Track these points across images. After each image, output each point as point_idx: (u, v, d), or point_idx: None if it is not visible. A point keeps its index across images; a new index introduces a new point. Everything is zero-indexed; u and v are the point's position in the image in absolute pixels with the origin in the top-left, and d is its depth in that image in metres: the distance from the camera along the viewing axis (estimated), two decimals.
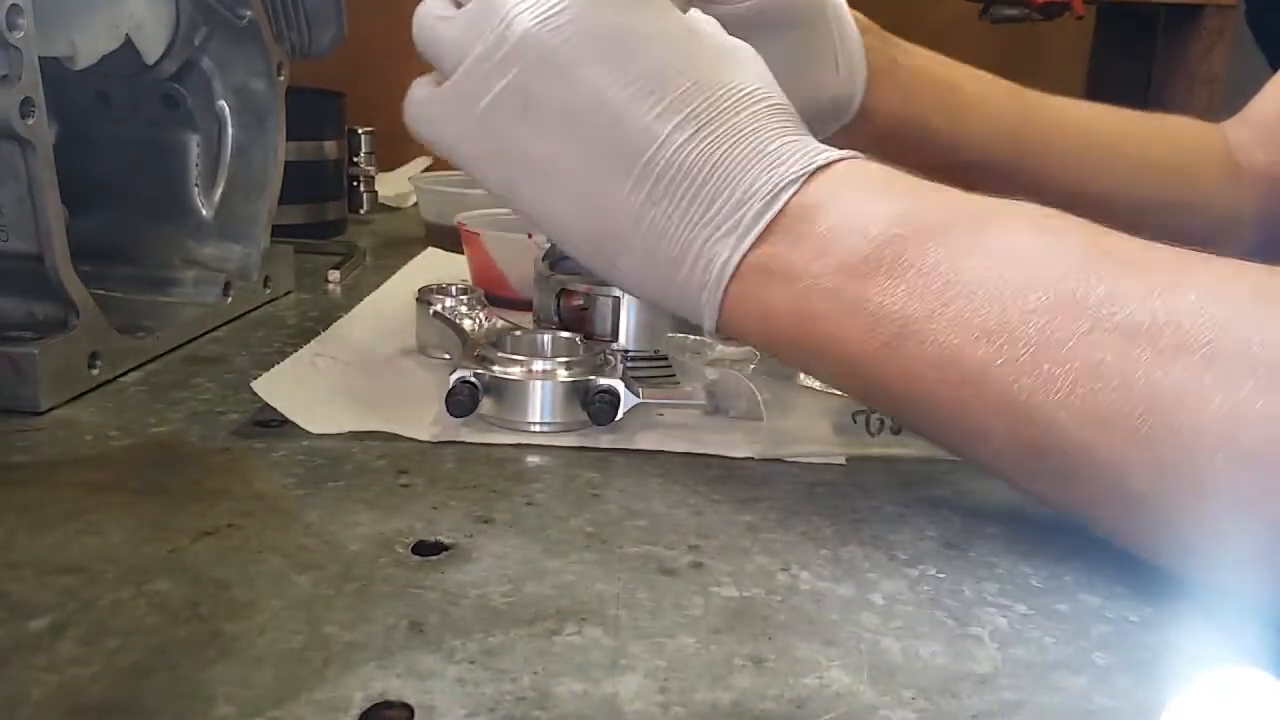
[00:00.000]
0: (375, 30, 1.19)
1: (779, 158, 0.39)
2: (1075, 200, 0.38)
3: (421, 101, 0.44)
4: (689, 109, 0.40)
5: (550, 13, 0.40)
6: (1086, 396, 0.32)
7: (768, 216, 0.38)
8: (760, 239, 0.38)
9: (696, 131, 0.39)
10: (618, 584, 0.34)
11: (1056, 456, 0.34)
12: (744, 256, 0.39)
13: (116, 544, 0.35)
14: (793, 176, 0.38)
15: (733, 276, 0.39)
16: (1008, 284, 0.34)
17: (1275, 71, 0.74)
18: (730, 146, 0.39)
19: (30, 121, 0.44)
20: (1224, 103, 1.96)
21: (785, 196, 0.38)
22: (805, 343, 0.39)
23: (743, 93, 0.40)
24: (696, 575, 0.35)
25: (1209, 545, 0.32)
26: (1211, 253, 0.34)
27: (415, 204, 0.98)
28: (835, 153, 0.40)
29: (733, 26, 0.45)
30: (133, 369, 0.52)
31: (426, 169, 1.15)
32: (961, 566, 0.36)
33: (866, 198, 0.38)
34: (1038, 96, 0.67)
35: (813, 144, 0.40)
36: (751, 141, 0.39)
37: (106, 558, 0.34)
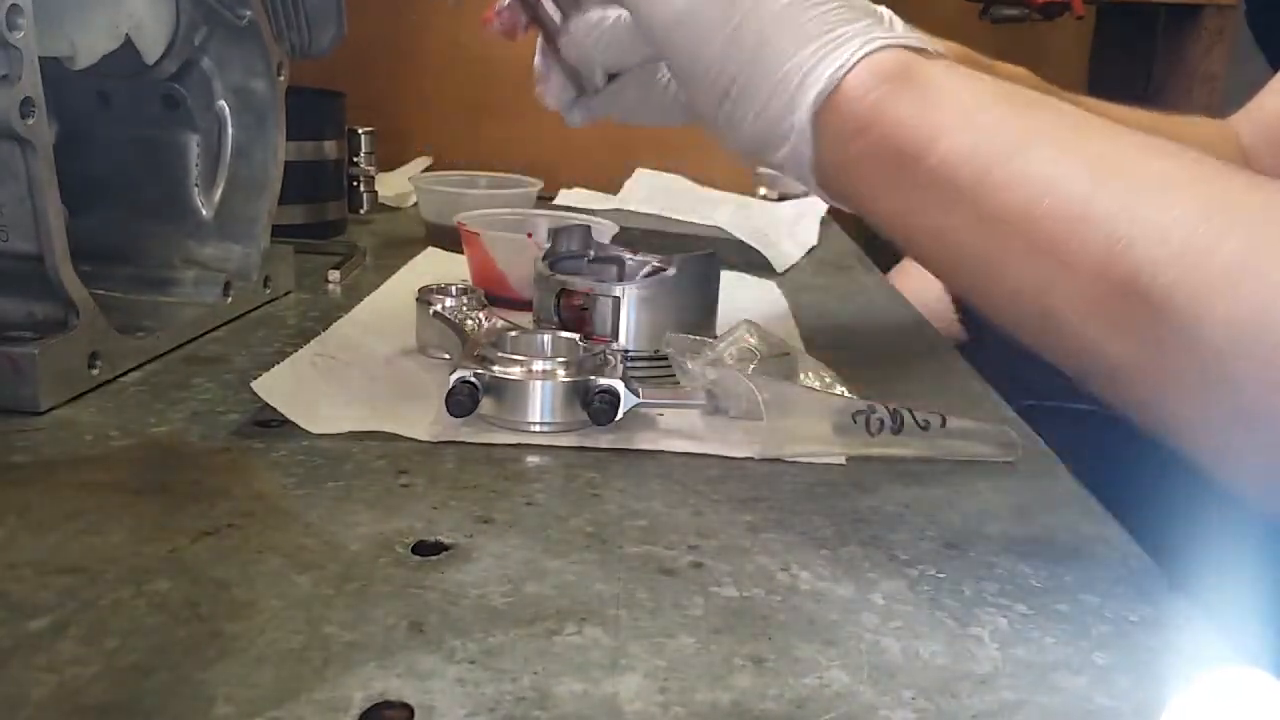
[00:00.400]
0: (375, 30, 1.19)
1: (880, 29, 0.41)
2: None
3: None
4: None
5: None
6: (1183, 241, 0.33)
7: (917, 37, 0.41)
8: (904, 49, 0.40)
9: None
10: (618, 584, 0.34)
11: (1141, 298, 0.34)
12: (888, 46, 0.40)
13: (116, 544, 0.35)
14: (903, 39, 0.41)
15: (870, 55, 0.40)
16: (1131, 140, 0.37)
17: (1275, 71, 0.74)
18: (842, 8, 0.41)
19: (30, 121, 0.44)
20: (1224, 103, 1.96)
21: (888, 51, 0.40)
22: (919, 136, 0.39)
23: None
24: (696, 575, 0.35)
25: (1264, 417, 0.32)
26: None
27: (415, 204, 0.98)
28: (931, 41, 0.43)
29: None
30: (133, 369, 0.52)
31: (427, 169, 1.15)
32: (961, 566, 0.36)
33: (970, 76, 0.40)
34: (1066, 97, 0.68)
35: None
36: (855, 7, 0.42)
37: (107, 558, 0.34)
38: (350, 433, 0.45)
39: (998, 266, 0.38)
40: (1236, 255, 0.32)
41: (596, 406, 0.45)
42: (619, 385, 0.45)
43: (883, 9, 0.45)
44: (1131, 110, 0.69)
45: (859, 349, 0.64)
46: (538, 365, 0.46)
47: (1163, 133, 0.69)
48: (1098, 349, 0.36)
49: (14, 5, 0.42)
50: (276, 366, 0.51)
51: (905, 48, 0.40)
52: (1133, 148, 0.37)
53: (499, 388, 0.45)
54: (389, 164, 1.09)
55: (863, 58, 0.40)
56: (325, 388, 0.50)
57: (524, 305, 0.61)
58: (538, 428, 0.46)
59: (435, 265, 0.80)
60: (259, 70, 0.62)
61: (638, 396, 0.46)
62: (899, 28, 0.45)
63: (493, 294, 0.59)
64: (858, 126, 0.40)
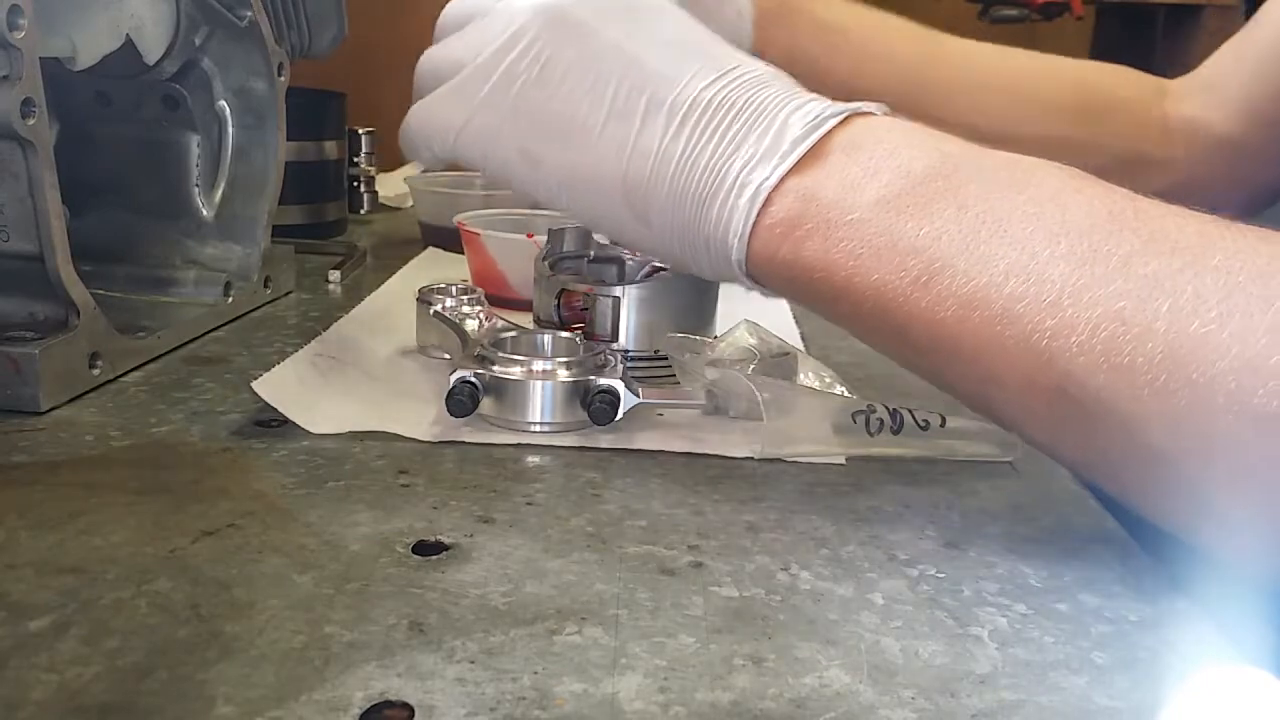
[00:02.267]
0: (375, 30, 1.19)
1: (814, 101, 0.40)
2: (974, 136, 0.39)
3: (421, 106, 0.45)
4: (710, 59, 0.41)
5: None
6: (1106, 342, 0.32)
7: (808, 143, 0.38)
8: (797, 168, 0.38)
9: (722, 75, 0.40)
10: (618, 584, 0.34)
11: (1074, 404, 0.33)
12: (780, 182, 0.38)
13: (117, 544, 0.35)
14: (832, 113, 0.39)
15: (765, 203, 0.38)
16: (1040, 228, 0.34)
17: None
18: (758, 89, 0.40)
19: (31, 121, 0.44)
20: None
21: (825, 128, 0.38)
22: (833, 280, 0.38)
23: (762, 66, 0.41)
24: (696, 575, 0.35)
25: (1219, 508, 0.32)
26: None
27: (413, 205, 0.98)
28: (870, 105, 0.40)
29: None
30: (133, 369, 0.52)
31: (425, 169, 1.15)
32: (961, 566, 0.36)
33: (906, 139, 0.38)
34: (944, 39, 0.69)
35: (840, 103, 0.40)
36: (777, 87, 0.40)
37: (107, 558, 0.34)
38: (350, 433, 0.45)
39: (937, 377, 0.39)
40: (1163, 347, 0.31)
41: (596, 406, 0.45)
42: (619, 385, 0.45)
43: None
44: (1027, 54, 0.70)
45: (859, 349, 0.64)
46: (538, 365, 0.46)
47: (1049, 74, 0.72)
48: (1047, 449, 0.37)
49: (14, 5, 0.42)
50: (277, 366, 0.51)
51: (795, 166, 0.38)
52: (1050, 230, 0.34)
53: (499, 388, 0.45)
54: (389, 164, 1.09)
55: (757, 214, 0.39)
56: (325, 388, 0.50)
57: (524, 305, 0.61)
58: (538, 428, 0.46)
59: (435, 265, 0.80)
60: (259, 70, 0.62)
61: (638, 396, 0.46)
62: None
63: (493, 294, 0.59)
64: (784, 275, 0.40)
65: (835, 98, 0.40)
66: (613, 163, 0.41)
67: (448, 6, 0.48)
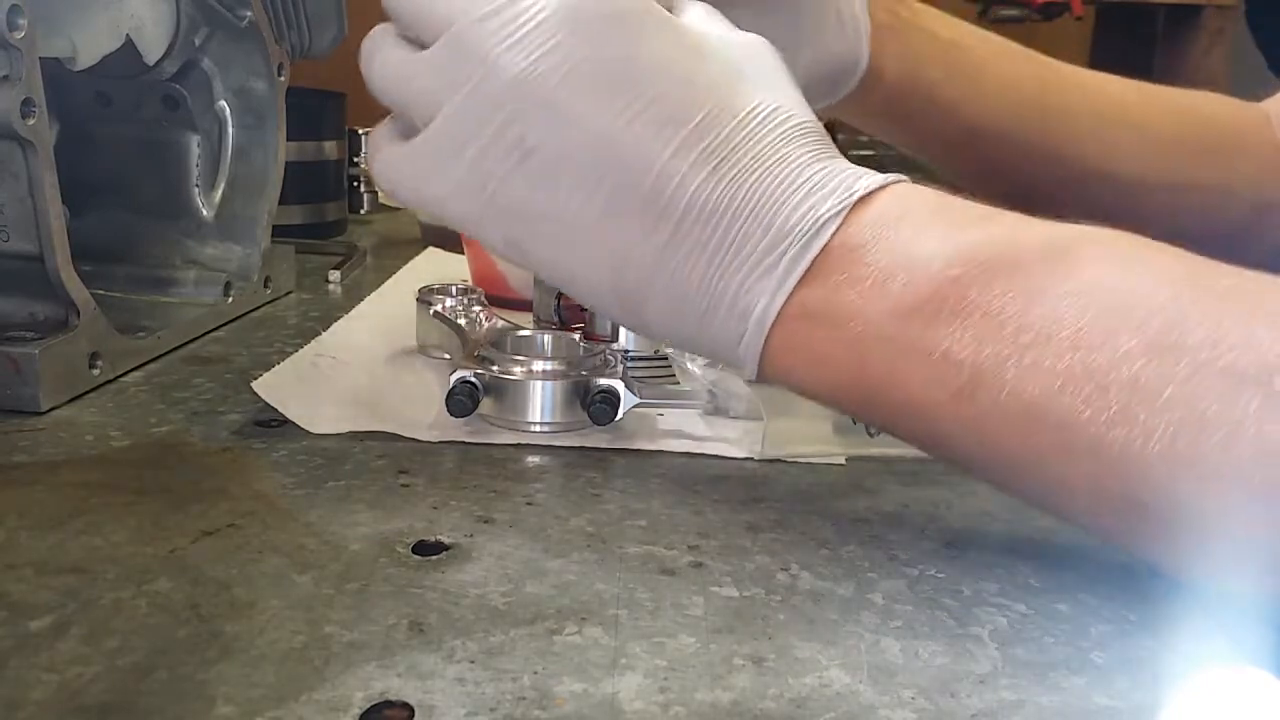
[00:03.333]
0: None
1: (814, 187, 0.35)
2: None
3: (393, 160, 0.39)
4: (705, 143, 0.35)
5: (539, 50, 0.35)
6: (1188, 448, 0.29)
7: (809, 257, 0.34)
8: (802, 282, 0.34)
9: (717, 167, 0.35)
10: (618, 584, 0.34)
11: (1153, 511, 0.31)
12: (785, 302, 0.35)
13: (117, 544, 0.35)
14: (833, 211, 0.34)
15: (774, 325, 0.35)
16: (1093, 326, 0.31)
17: (1275, 72, 0.74)
18: (757, 180, 0.35)
19: (31, 122, 0.44)
20: None
21: (827, 233, 0.34)
22: (863, 391, 0.35)
23: (763, 115, 0.36)
24: (696, 575, 0.35)
25: None
26: (1252, 239, 0.32)
27: None
28: (875, 178, 0.35)
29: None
30: (133, 369, 0.52)
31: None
32: (961, 566, 0.36)
33: (918, 231, 0.34)
34: (1058, 64, 0.62)
35: (848, 168, 0.36)
36: (779, 172, 0.35)
37: (107, 558, 0.34)
38: (350, 433, 0.45)
39: (993, 482, 0.36)
40: (1253, 450, 0.28)
41: (596, 406, 0.45)
42: (619, 385, 0.45)
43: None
44: (1140, 85, 0.66)
45: None
46: (538, 365, 0.46)
47: (1172, 109, 0.66)
48: (1128, 548, 0.34)
49: (14, 5, 0.42)
50: (277, 366, 0.51)
51: (802, 279, 0.35)
52: (1097, 332, 0.31)
53: (499, 388, 0.45)
54: None
55: (767, 335, 0.35)
56: (325, 388, 0.50)
57: (524, 305, 0.61)
58: (538, 428, 0.46)
59: (435, 265, 0.80)
60: (259, 70, 0.62)
61: (638, 396, 0.46)
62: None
63: (493, 294, 0.59)
64: (802, 382, 0.37)
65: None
66: (604, 270, 0.37)
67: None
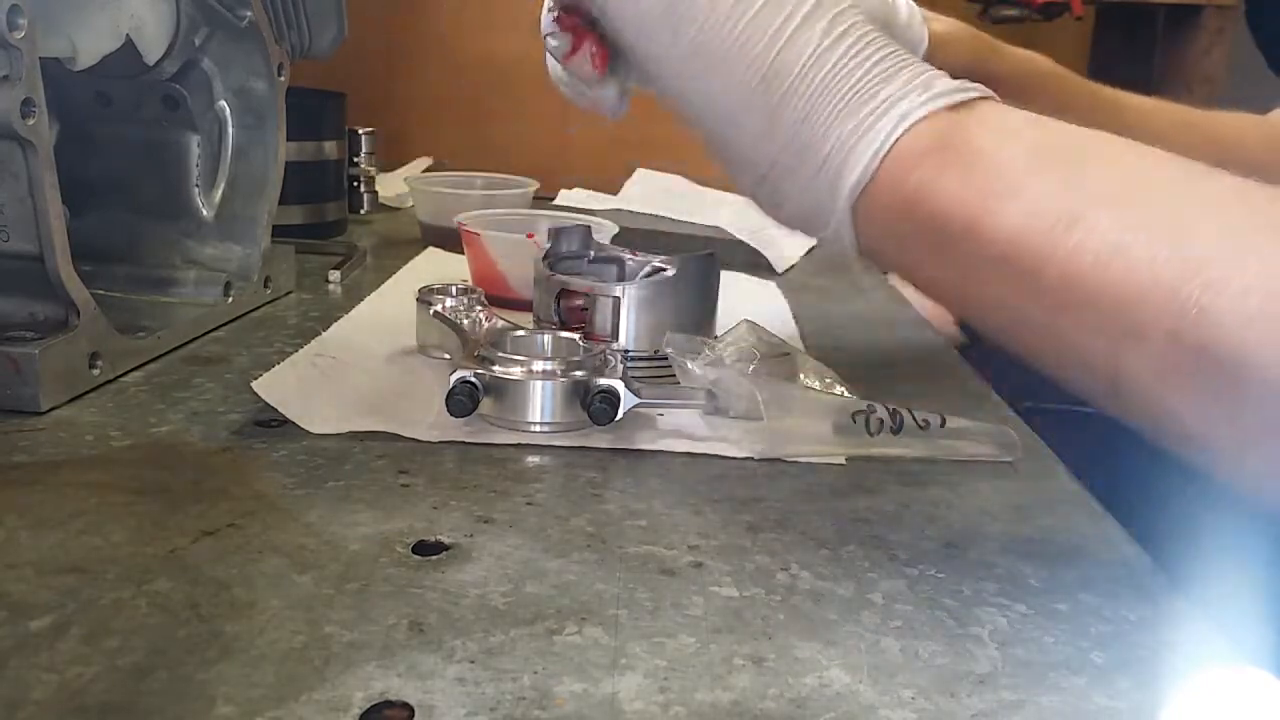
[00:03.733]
0: (375, 30, 1.19)
1: (919, 79, 0.38)
2: None
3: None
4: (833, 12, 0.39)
5: None
6: (1262, 304, 0.31)
7: (959, 95, 0.37)
8: (951, 109, 0.37)
9: (839, 38, 0.38)
10: (618, 584, 0.34)
11: (1218, 366, 0.32)
12: (927, 115, 0.37)
13: (117, 544, 0.35)
14: (947, 94, 0.37)
15: (908, 131, 0.37)
16: (1190, 192, 0.34)
17: (1275, 72, 0.74)
18: (865, 58, 0.38)
19: (31, 122, 0.44)
20: (1223, 103, 1.96)
21: (973, 92, 0.37)
22: (962, 218, 0.36)
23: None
24: (696, 575, 0.35)
25: None
26: None
27: (414, 205, 0.98)
28: (973, 87, 0.39)
29: None
30: (133, 369, 0.52)
31: (427, 169, 1.15)
32: (961, 566, 0.36)
33: (1012, 128, 0.37)
34: (1083, 82, 0.67)
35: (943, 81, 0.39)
36: (882, 59, 0.38)
37: (107, 558, 0.34)
38: (350, 433, 0.45)
39: (1063, 338, 0.36)
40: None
41: (596, 406, 0.45)
42: (619, 385, 0.45)
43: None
44: (1170, 107, 0.68)
45: (859, 349, 0.64)
46: (538, 365, 0.46)
47: (1202, 133, 0.68)
48: (1174, 414, 0.34)
49: (14, 5, 0.42)
50: (277, 366, 0.51)
51: (946, 107, 0.37)
52: (1196, 198, 0.34)
53: (499, 388, 0.45)
54: (389, 164, 1.09)
55: (901, 135, 0.37)
56: (325, 388, 0.50)
57: (524, 305, 0.61)
58: (538, 428, 0.46)
59: (435, 265, 0.80)
60: (259, 70, 0.62)
61: (638, 396, 0.46)
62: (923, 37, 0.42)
63: (493, 294, 0.59)
64: (902, 209, 0.37)
65: None
66: (762, 47, 0.38)
67: None
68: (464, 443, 0.45)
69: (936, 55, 0.59)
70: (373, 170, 0.96)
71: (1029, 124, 0.38)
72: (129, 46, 0.56)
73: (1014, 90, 0.59)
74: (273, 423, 0.45)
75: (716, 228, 0.91)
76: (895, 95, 0.37)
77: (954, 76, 0.57)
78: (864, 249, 0.39)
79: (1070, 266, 0.34)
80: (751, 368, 0.50)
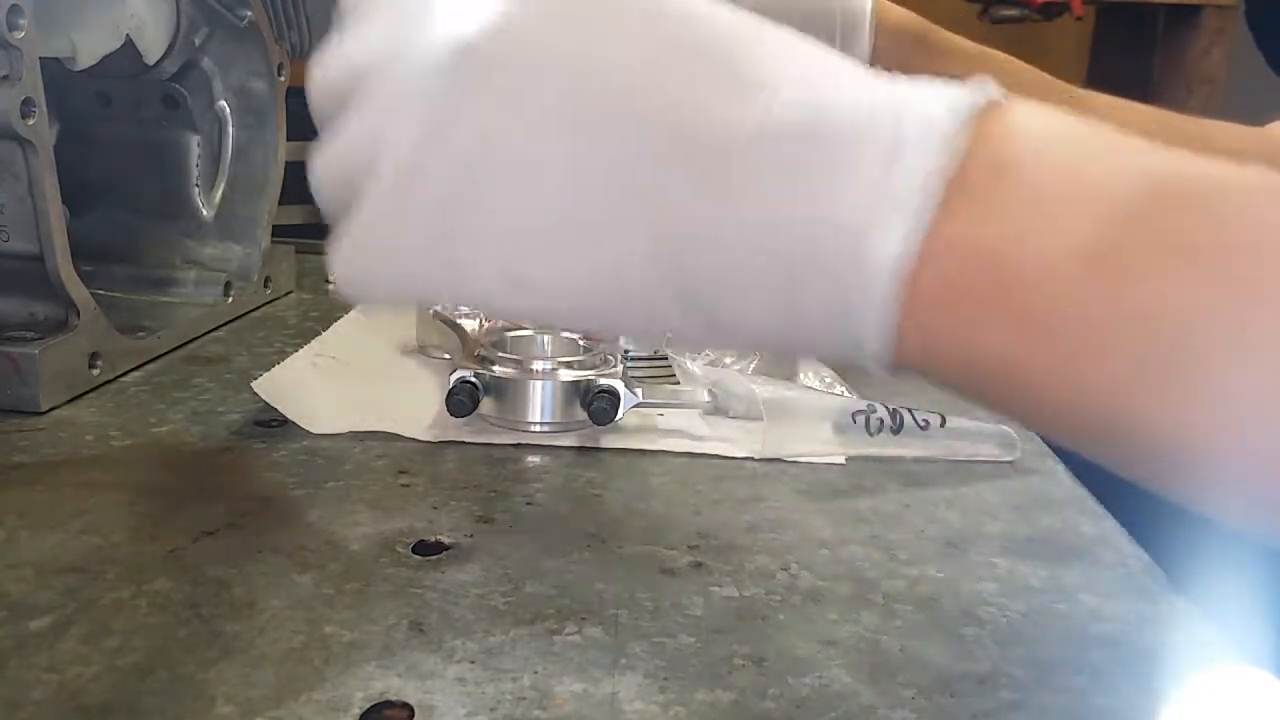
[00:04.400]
0: None
1: (915, 95, 0.26)
2: None
3: (341, 248, 0.29)
4: (747, 56, 0.27)
5: (484, 25, 0.27)
6: None
7: (945, 164, 0.24)
8: (941, 210, 0.24)
9: (780, 93, 0.26)
10: (618, 584, 0.34)
11: None
12: (924, 237, 0.24)
13: (117, 544, 0.35)
14: (960, 111, 0.25)
15: (911, 270, 0.25)
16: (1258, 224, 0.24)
17: (1275, 72, 0.74)
18: (836, 91, 0.26)
19: (31, 121, 0.44)
20: (1223, 103, 1.96)
21: (961, 140, 0.25)
22: (1025, 371, 0.25)
23: (810, 46, 0.28)
24: (696, 575, 0.35)
25: None
26: None
27: None
28: (988, 87, 0.26)
29: None
30: (133, 369, 0.52)
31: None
32: (961, 566, 0.36)
33: (1078, 150, 0.26)
34: (1076, 91, 0.62)
35: (942, 83, 0.26)
36: (864, 86, 0.26)
37: (107, 558, 0.34)
38: (350, 433, 0.45)
39: (1180, 488, 0.26)
40: None
41: (596, 406, 0.45)
42: (619, 385, 0.45)
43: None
44: (1153, 110, 0.66)
45: None
46: (538, 365, 0.46)
47: (1187, 137, 0.67)
48: None
49: (14, 5, 0.42)
50: (277, 366, 0.51)
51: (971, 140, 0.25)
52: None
53: (499, 388, 0.45)
54: None
55: (918, 248, 0.24)
56: (325, 388, 0.50)
57: None
58: (538, 428, 0.46)
59: None
60: (259, 70, 0.62)
61: (638, 396, 0.46)
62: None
63: None
64: (934, 371, 0.27)
65: None
66: (643, 249, 0.26)
67: (315, 71, 0.31)
68: (464, 443, 0.45)
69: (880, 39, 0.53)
70: None
71: (1061, 184, 0.25)
72: (129, 46, 0.56)
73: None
74: (273, 423, 0.45)
75: None
76: (859, 221, 0.25)
77: (902, 59, 0.50)
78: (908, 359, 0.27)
79: (1181, 422, 0.24)
80: (751, 368, 0.51)
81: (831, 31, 0.52)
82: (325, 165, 0.30)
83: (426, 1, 0.28)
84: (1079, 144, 0.26)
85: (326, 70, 0.30)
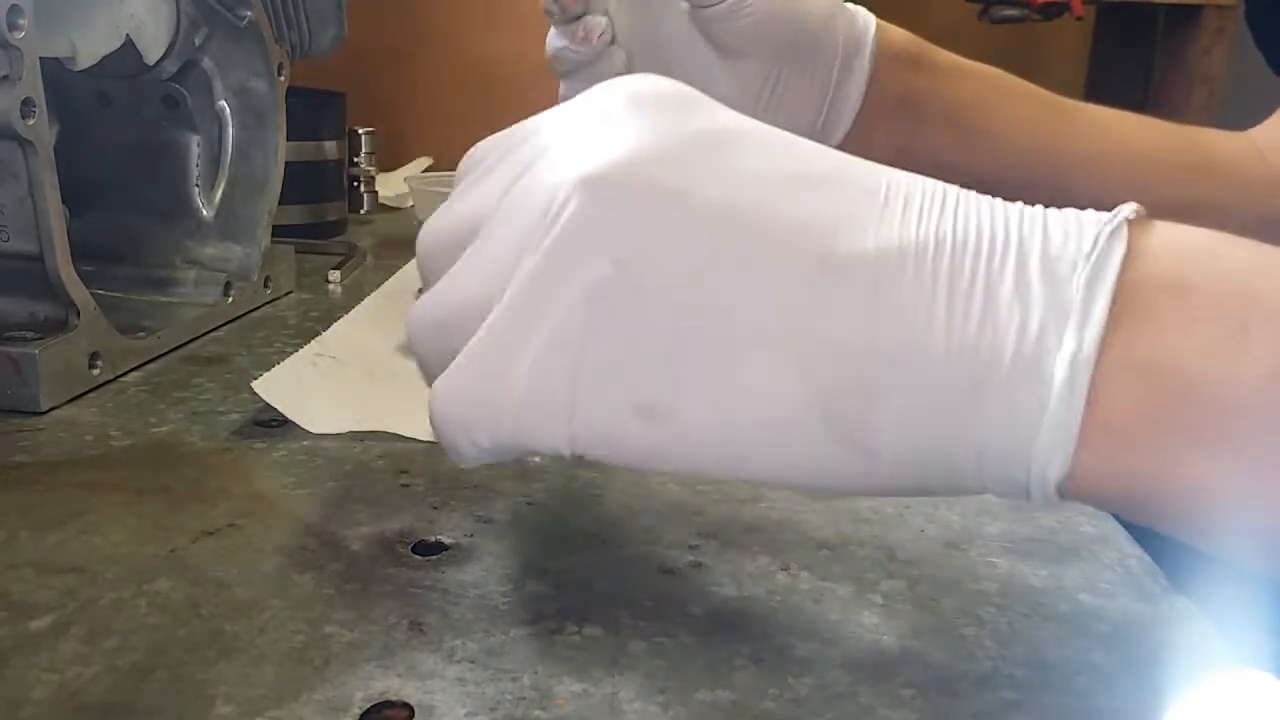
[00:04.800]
0: (375, 30, 1.19)
1: (1055, 217, 0.26)
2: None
3: (444, 384, 0.29)
4: (860, 183, 0.26)
5: (604, 162, 0.26)
6: None
7: (1109, 280, 0.24)
8: (1111, 324, 0.24)
9: (891, 201, 0.26)
10: (618, 584, 0.34)
11: None
12: (1099, 345, 0.24)
13: (117, 544, 0.35)
14: (1108, 229, 0.25)
15: (1093, 378, 0.24)
16: None
17: (1275, 72, 0.74)
18: (977, 213, 0.26)
19: (31, 122, 0.44)
20: (1223, 103, 1.97)
21: (1117, 255, 0.24)
22: (1238, 501, 0.24)
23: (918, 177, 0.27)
24: (696, 575, 0.35)
25: None
26: None
27: (414, 204, 0.98)
28: (1124, 207, 0.26)
29: (721, 46, 0.41)
30: (133, 369, 0.52)
31: (428, 169, 1.15)
32: (961, 566, 0.36)
33: (1229, 253, 0.25)
34: (1066, 105, 0.61)
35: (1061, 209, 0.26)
36: (985, 201, 0.26)
37: (107, 558, 0.34)
38: (350, 433, 0.45)
39: None
40: None
41: None
42: None
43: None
44: (1151, 121, 0.67)
45: None
46: None
47: (1180, 137, 0.67)
48: None
49: (14, 5, 0.42)
50: (276, 366, 0.51)
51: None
52: None
53: None
54: (389, 164, 1.09)
55: (1097, 355, 0.24)
56: (325, 388, 0.50)
57: None
58: None
59: None
60: (259, 70, 0.62)
61: None
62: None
63: None
64: (1118, 501, 0.26)
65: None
66: (793, 371, 0.25)
67: (426, 227, 0.33)
68: None
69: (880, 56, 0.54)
70: (373, 170, 0.96)
71: (1236, 297, 0.24)
72: (129, 46, 0.56)
73: (953, 101, 0.55)
74: (273, 423, 0.45)
75: None
76: (1030, 336, 0.24)
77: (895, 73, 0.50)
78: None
79: None
80: None
81: (834, 54, 0.52)
82: (432, 308, 0.30)
83: (543, 150, 0.28)
84: (1240, 258, 0.25)
85: (439, 222, 0.31)
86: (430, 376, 0.30)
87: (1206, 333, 0.24)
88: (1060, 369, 0.24)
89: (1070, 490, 0.25)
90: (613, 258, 0.26)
